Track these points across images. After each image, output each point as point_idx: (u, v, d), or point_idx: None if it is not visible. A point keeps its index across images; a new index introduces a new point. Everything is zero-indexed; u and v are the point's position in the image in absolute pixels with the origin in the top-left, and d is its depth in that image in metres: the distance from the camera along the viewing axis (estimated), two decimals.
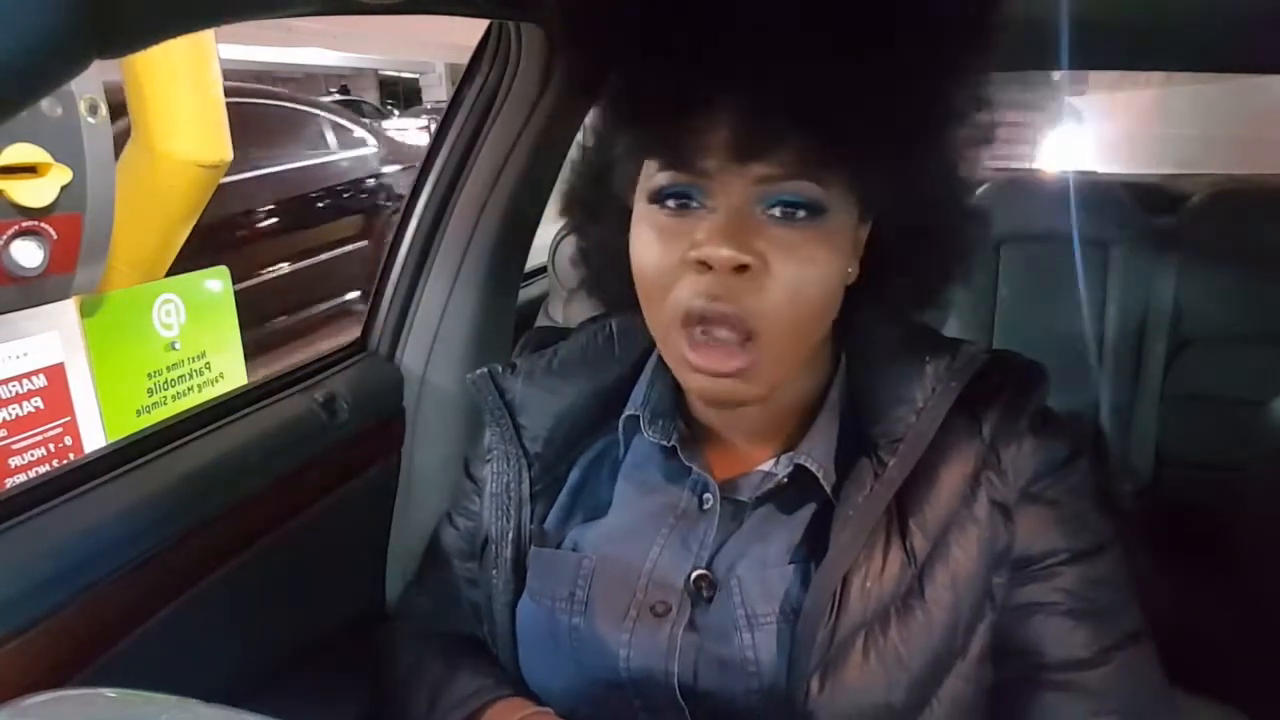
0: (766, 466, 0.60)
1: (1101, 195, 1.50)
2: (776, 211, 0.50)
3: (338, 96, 17.46)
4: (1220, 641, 1.07)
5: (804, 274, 0.50)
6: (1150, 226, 1.49)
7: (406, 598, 0.77)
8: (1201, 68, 1.55)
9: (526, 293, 1.21)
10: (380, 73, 23.70)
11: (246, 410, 0.84)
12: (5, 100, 0.32)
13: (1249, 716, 0.81)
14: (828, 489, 0.57)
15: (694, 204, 0.51)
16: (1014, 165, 2.97)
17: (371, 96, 21.80)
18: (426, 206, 1.02)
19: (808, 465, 0.57)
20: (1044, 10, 0.85)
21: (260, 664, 0.81)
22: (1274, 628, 1.03)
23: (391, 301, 1.03)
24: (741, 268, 0.48)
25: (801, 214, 0.49)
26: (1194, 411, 1.46)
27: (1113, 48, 1.16)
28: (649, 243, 0.52)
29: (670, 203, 0.51)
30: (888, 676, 0.52)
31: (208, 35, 2.26)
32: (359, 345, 1.04)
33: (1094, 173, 2.11)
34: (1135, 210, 1.50)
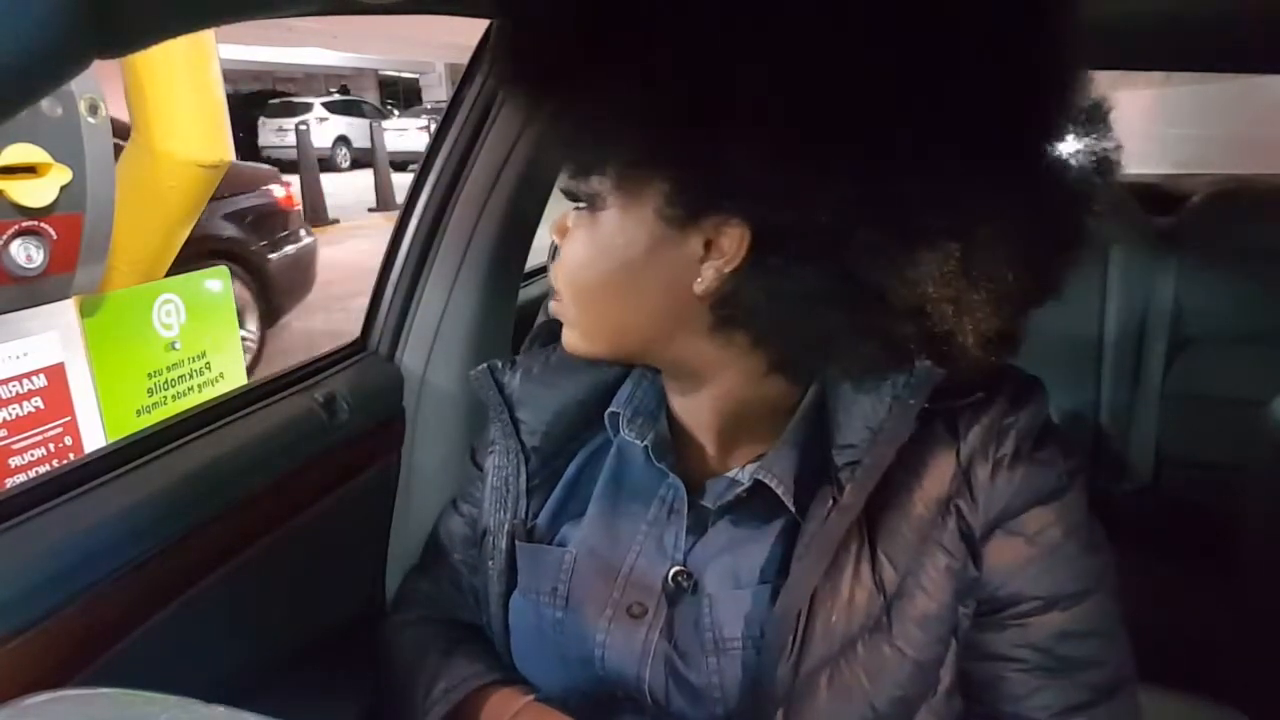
0: (732, 474, 0.60)
1: (1101, 195, 1.50)
2: None
3: (337, 96, 17.51)
4: (1220, 641, 1.07)
5: (573, 253, 0.57)
6: (1150, 226, 1.49)
7: (408, 582, 0.77)
8: (1201, 68, 1.56)
9: (526, 293, 1.21)
10: (380, 73, 23.71)
11: (246, 410, 0.84)
12: (5, 100, 0.31)
13: (1248, 716, 0.81)
14: (791, 507, 0.55)
15: None
16: None
17: (371, 96, 21.82)
18: (426, 206, 1.02)
19: (767, 481, 0.56)
20: None
21: (260, 664, 0.81)
22: (1273, 628, 1.03)
23: (391, 301, 1.03)
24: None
25: (580, 204, 0.56)
26: (1194, 411, 1.46)
27: (1113, 48, 1.16)
28: None
29: None
30: (854, 713, 0.51)
31: (208, 35, 2.26)
32: (359, 345, 1.04)
33: None
34: (1135, 210, 1.50)
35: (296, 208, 4.14)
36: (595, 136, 0.51)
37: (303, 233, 4.10)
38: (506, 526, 0.64)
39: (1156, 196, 1.60)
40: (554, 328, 0.71)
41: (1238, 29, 0.99)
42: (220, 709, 0.33)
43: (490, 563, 0.65)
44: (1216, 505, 1.23)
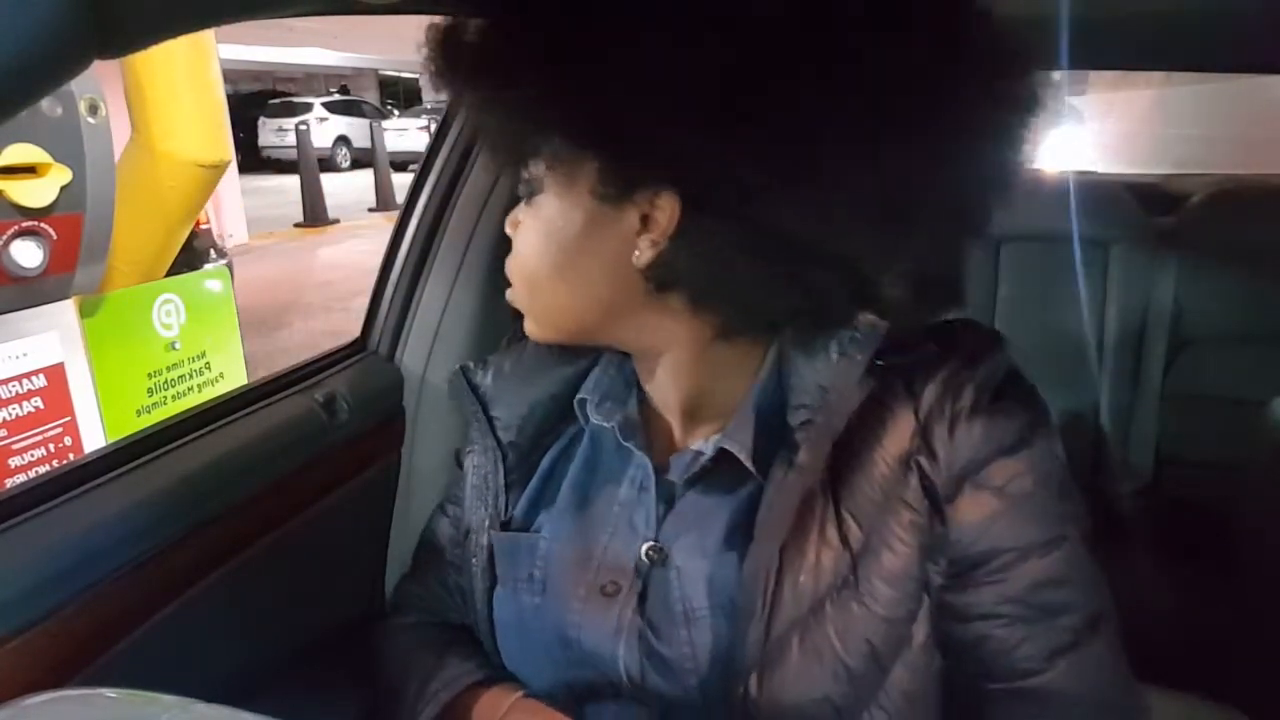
0: (696, 445, 0.61)
1: (1101, 195, 1.50)
2: None
3: (337, 96, 17.51)
4: (1220, 641, 1.07)
5: (523, 239, 0.59)
6: (1150, 226, 1.49)
7: (401, 586, 0.78)
8: (1201, 68, 1.55)
9: None
10: (380, 73, 23.69)
11: (246, 410, 0.84)
12: (5, 100, 0.31)
13: (1248, 716, 0.81)
14: (753, 470, 0.56)
15: None
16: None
17: (371, 96, 21.82)
18: (426, 206, 1.02)
19: (729, 448, 0.56)
20: (1043, 10, 0.85)
21: (260, 664, 0.81)
22: (1273, 628, 1.03)
23: (391, 301, 1.03)
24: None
25: (526, 193, 0.58)
26: (1194, 411, 1.46)
27: (1113, 48, 1.16)
28: None
29: None
30: (826, 673, 0.51)
31: (208, 35, 2.26)
32: (359, 345, 1.04)
33: (1094, 172, 2.11)
34: (1135, 210, 1.50)
35: (203, 226, 3.28)
36: (523, 121, 0.53)
37: (212, 253, 3.37)
38: (487, 523, 0.65)
39: (1156, 196, 1.60)
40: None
41: (1238, 29, 0.99)
42: (220, 709, 0.33)
43: (474, 560, 0.65)
44: (1216, 505, 1.23)
